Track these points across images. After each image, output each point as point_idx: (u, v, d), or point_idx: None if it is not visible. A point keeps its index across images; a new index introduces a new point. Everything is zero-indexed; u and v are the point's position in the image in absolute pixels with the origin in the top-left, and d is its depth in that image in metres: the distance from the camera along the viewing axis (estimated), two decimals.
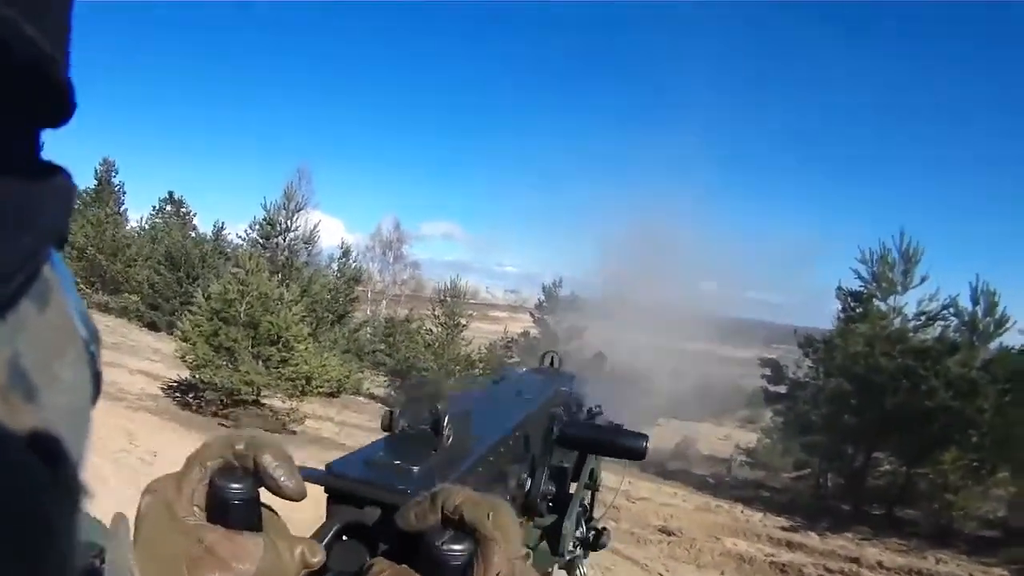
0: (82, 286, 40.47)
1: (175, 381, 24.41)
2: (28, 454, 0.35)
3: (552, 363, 2.24)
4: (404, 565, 0.82)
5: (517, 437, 1.44)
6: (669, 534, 19.80)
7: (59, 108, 0.38)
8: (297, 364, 24.09)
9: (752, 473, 33.96)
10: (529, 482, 1.50)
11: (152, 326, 38.57)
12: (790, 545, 20.17)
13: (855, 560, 19.12)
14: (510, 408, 1.54)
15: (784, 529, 21.94)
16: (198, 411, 23.11)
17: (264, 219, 34.29)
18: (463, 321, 39.90)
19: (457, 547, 0.79)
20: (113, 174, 46.88)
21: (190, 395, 23.99)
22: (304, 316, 26.81)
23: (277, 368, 23.80)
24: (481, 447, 1.21)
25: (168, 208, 49.65)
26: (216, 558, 0.77)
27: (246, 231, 36.23)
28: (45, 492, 0.36)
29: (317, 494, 0.95)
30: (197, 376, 23.32)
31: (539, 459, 1.59)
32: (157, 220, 48.62)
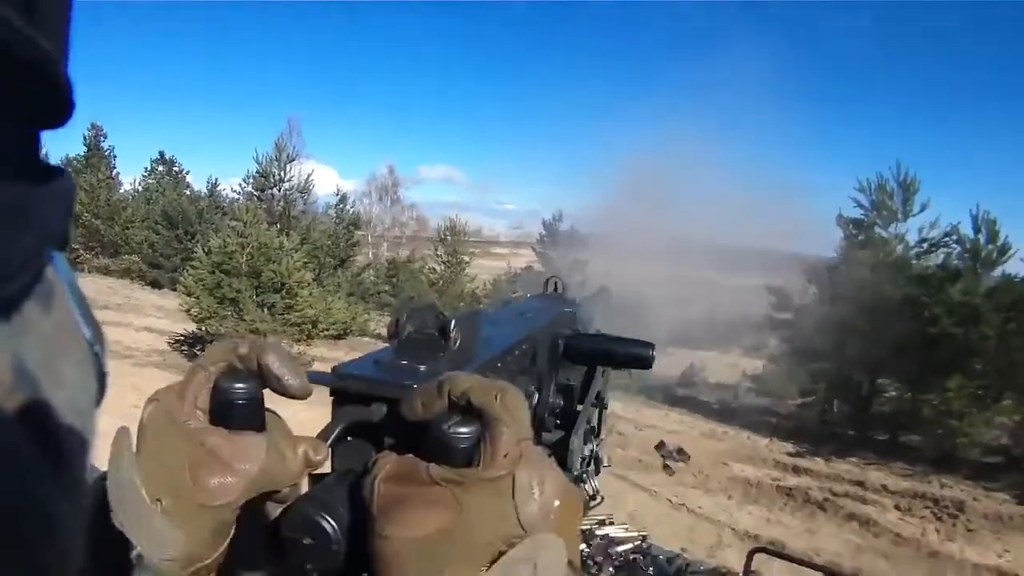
0: (81, 252, 40.63)
1: (181, 335, 24.59)
2: (33, 454, 0.35)
3: (556, 288, 2.16)
4: (410, 454, 0.81)
5: (524, 349, 1.41)
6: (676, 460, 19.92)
7: (59, 109, 0.37)
8: (302, 309, 24.22)
9: (758, 400, 34.04)
10: (536, 396, 1.49)
11: (155, 284, 38.70)
12: (796, 470, 20.33)
13: (860, 483, 19.29)
14: (516, 324, 1.52)
15: (790, 454, 22.14)
16: None
17: (257, 172, 34.18)
18: (466, 259, 40.04)
19: (464, 429, 0.78)
20: (102, 139, 46.65)
21: (197, 347, 24.03)
22: (306, 263, 26.86)
23: (283, 314, 23.94)
24: (488, 353, 1.20)
25: (160, 168, 49.40)
26: (218, 459, 0.78)
27: (240, 185, 36.26)
28: (50, 491, 0.36)
29: (325, 399, 0.96)
30: (203, 328, 23.42)
31: (546, 374, 1.58)
32: (151, 181, 48.42)
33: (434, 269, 39.98)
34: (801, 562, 5.90)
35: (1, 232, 0.34)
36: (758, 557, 6.13)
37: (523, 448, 0.77)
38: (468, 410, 0.79)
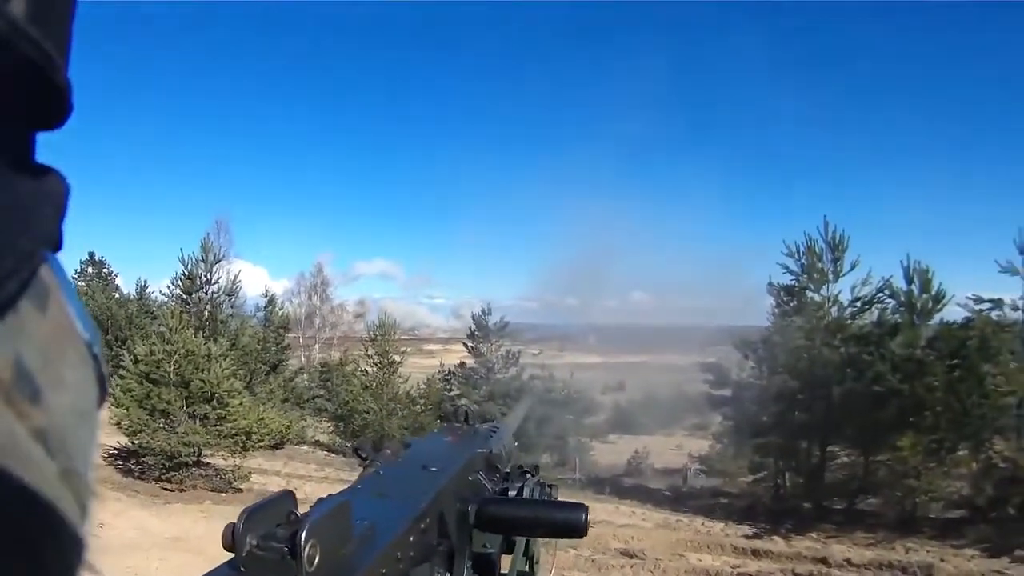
0: None
1: (114, 448, 23.91)
2: (35, 454, 0.35)
3: (466, 418, 1.87)
4: None
5: (424, 528, 1.14)
6: (631, 556, 19.55)
7: (58, 110, 0.38)
8: (235, 420, 23.71)
9: (708, 481, 34.05)
10: None
11: None
12: (755, 553, 20.04)
13: (823, 560, 19.04)
14: (412, 489, 1.23)
15: (747, 537, 21.99)
16: (140, 477, 22.66)
17: (183, 273, 33.63)
18: (397, 358, 39.67)
19: None
20: None
21: (131, 462, 23.49)
22: (236, 370, 26.43)
23: (215, 426, 23.42)
24: (369, 556, 0.93)
25: (90, 270, 48.86)
26: None
27: (168, 287, 35.66)
28: (51, 492, 0.36)
29: None
30: (135, 441, 22.80)
31: (458, 548, 1.30)
32: (80, 283, 47.57)
33: (366, 371, 39.53)
34: None
35: None
36: None
37: None
38: None
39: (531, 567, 1.69)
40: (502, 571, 1.48)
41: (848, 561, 18.82)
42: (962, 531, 21.01)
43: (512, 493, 1.57)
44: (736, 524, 23.67)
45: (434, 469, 1.35)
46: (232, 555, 0.79)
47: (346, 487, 1.17)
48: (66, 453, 0.37)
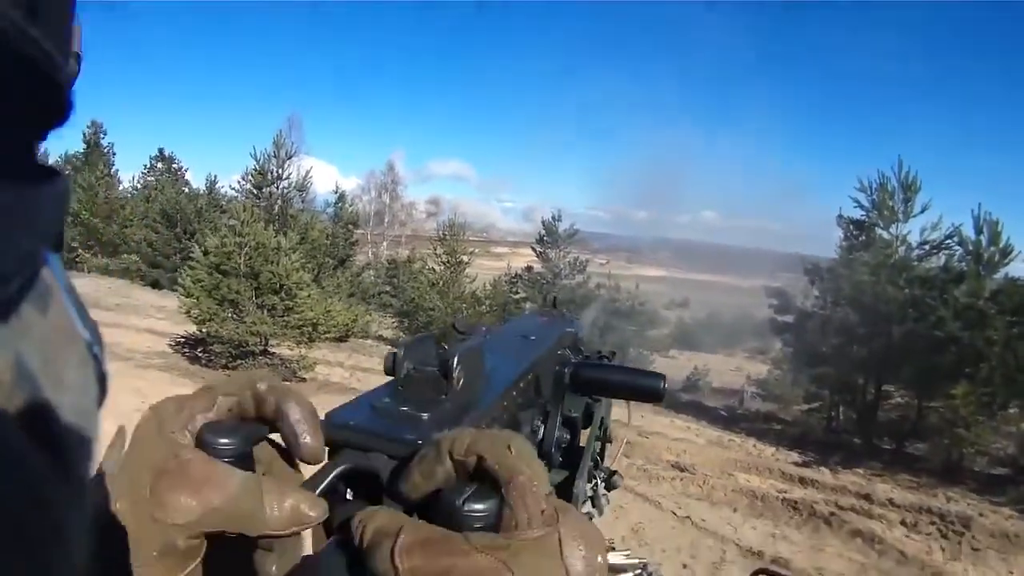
0: (80, 250, 40.59)
1: (182, 336, 24.56)
2: (36, 455, 0.36)
3: (555, 304, 2.07)
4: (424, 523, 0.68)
5: (529, 381, 1.31)
6: (682, 470, 19.82)
7: (59, 110, 0.38)
8: (302, 311, 24.11)
9: (764, 405, 34.12)
10: (543, 429, 1.43)
11: (155, 284, 38.56)
12: (802, 481, 20.16)
13: (866, 496, 19.11)
14: (519, 351, 1.40)
15: (796, 464, 22.02)
16: (207, 365, 23.24)
17: (255, 169, 33.95)
18: (465, 259, 39.86)
19: (480, 506, 0.67)
20: (102, 136, 46.66)
21: (198, 349, 24.11)
22: (304, 263, 26.73)
23: (282, 316, 23.84)
24: (493, 391, 1.09)
25: (159, 165, 49.41)
26: (185, 476, 0.70)
27: (239, 182, 36.05)
28: (53, 491, 0.37)
29: None
30: (203, 330, 23.36)
31: (552, 405, 1.48)
32: (149, 178, 48.31)
33: (434, 269, 39.82)
34: None
35: None
36: None
37: (554, 503, 0.68)
38: (480, 472, 0.70)
39: (603, 441, 1.81)
40: (581, 444, 1.62)
41: (891, 501, 18.85)
42: (1004, 488, 20.87)
43: None
44: (786, 450, 23.72)
45: (533, 338, 1.53)
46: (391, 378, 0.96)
47: (459, 339, 1.27)
48: (65, 453, 0.38)
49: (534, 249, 43.50)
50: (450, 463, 0.71)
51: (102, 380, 0.45)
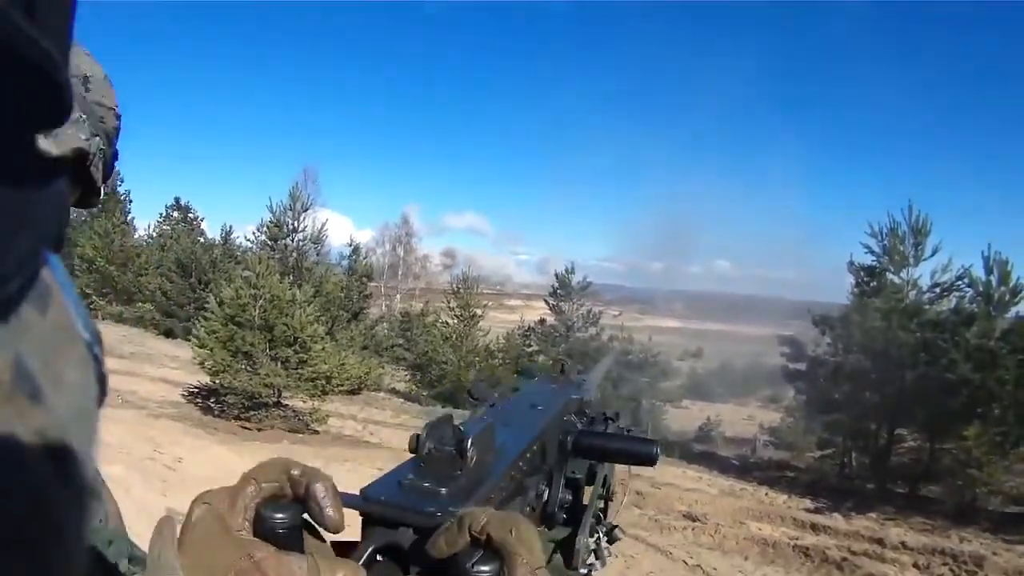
0: (94, 297, 40.69)
1: (195, 387, 24.57)
2: (35, 455, 0.35)
3: (563, 370, 2.22)
4: None
5: (535, 450, 1.47)
6: (694, 520, 19.78)
7: (58, 110, 0.37)
8: (315, 364, 24.15)
9: (777, 453, 34.02)
10: (547, 493, 1.55)
11: (168, 333, 38.56)
12: (814, 527, 20.09)
13: (879, 541, 19.05)
14: (526, 421, 1.56)
15: (808, 511, 21.93)
16: (220, 415, 23.16)
17: (271, 221, 34.16)
18: (478, 312, 39.98)
19: (485, 568, 0.83)
20: (118, 183, 46.93)
21: (211, 400, 24.02)
22: (318, 316, 26.81)
23: (296, 369, 23.87)
24: (502, 464, 1.24)
25: (175, 214, 49.45)
26: (263, 574, 0.79)
27: (254, 233, 36.27)
28: (53, 492, 0.37)
29: (350, 518, 0.96)
30: (217, 381, 23.37)
31: (555, 469, 1.63)
32: (165, 227, 48.31)
33: (447, 323, 39.92)
34: None
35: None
36: None
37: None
38: (489, 545, 0.85)
39: (606, 498, 1.94)
40: (583, 502, 1.75)
41: (903, 544, 18.79)
42: (1018, 527, 20.68)
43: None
44: (799, 497, 23.62)
45: (540, 408, 1.68)
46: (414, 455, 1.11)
47: (474, 416, 1.52)
48: (65, 453, 0.38)
49: (547, 302, 43.59)
50: (468, 536, 0.86)
51: (102, 380, 0.45)
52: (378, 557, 0.98)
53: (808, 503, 22.94)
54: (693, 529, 19.30)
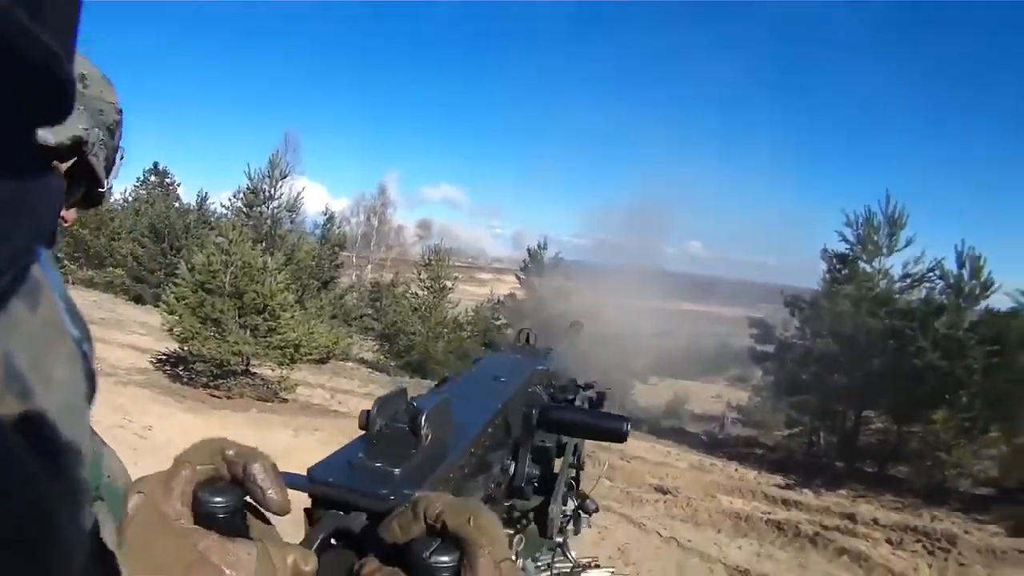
0: (66, 262, 40.43)
1: (164, 354, 24.34)
2: (26, 451, 0.35)
3: (528, 340, 2.14)
4: (396, 568, 0.80)
5: (497, 424, 1.42)
6: (665, 492, 19.86)
7: (60, 106, 0.38)
8: (284, 332, 23.95)
9: (745, 431, 34.24)
10: (513, 467, 1.51)
11: (138, 299, 38.30)
12: (785, 502, 20.23)
13: (850, 516, 19.17)
14: (488, 394, 1.51)
15: (779, 487, 22.05)
16: (189, 383, 22.96)
17: (248, 188, 33.93)
18: (449, 284, 39.92)
19: (444, 558, 0.77)
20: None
21: (180, 367, 23.83)
22: (289, 284, 26.63)
23: (265, 337, 23.69)
24: (462, 441, 1.18)
25: (153, 179, 49.03)
26: (211, 564, 0.75)
27: (230, 200, 36.05)
28: (45, 488, 0.36)
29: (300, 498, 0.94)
30: (185, 348, 23.17)
31: (522, 442, 1.56)
32: (141, 192, 47.94)
33: (416, 294, 39.85)
34: None
35: None
36: None
37: (502, 572, 0.77)
38: (444, 532, 0.79)
39: (577, 467, 1.89)
40: (555, 471, 1.71)
41: (875, 520, 18.91)
42: (987, 507, 20.89)
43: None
44: (768, 474, 23.75)
45: (503, 379, 1.62)
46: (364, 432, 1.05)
47: (432, 389, 1.48)
48: (56, 450, 0.38)
49: (518, 276, 43.53)
50: (423, 522, 0.79)
51: (91, 377, 0.45)
52: (332, 542, 0.92)
53: (778, 479, 23.06)
54: (665, 502, 19.36)
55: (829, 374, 27.44)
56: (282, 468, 0.88)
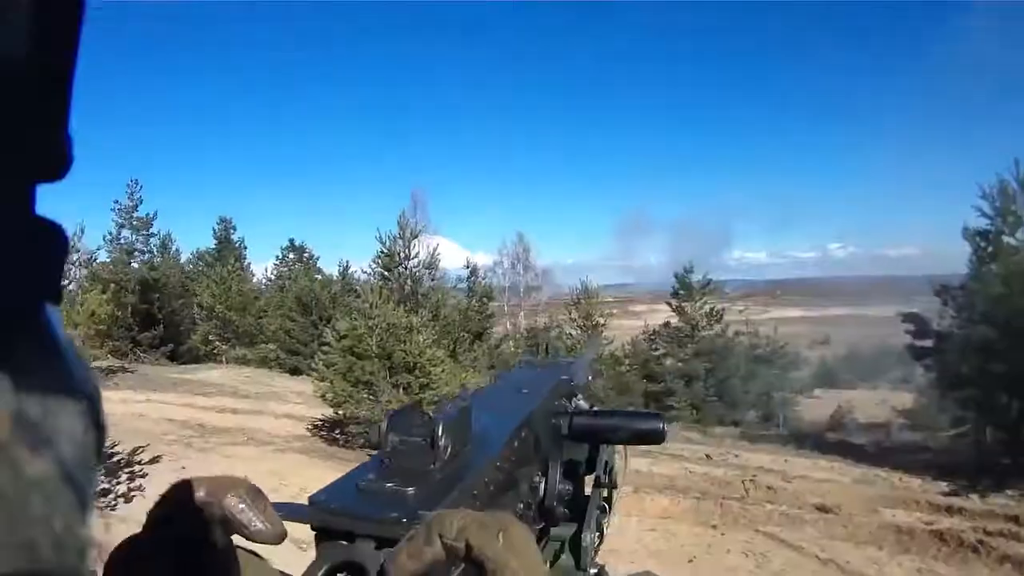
0: (217, 343, 41.86)
1: (320, 419, 24.90)
2: (34, 504, 0.35)
3: (547, 351, 2.12)
4: None
5: (524, 437, 1.32)
6: (826, 511, 19.31)
7: (59, 164, 0.38)
8: (437, 387, 24.22)
9: (911, 436, 33.11)
10: (543, 485, 1.43)
11: (294, 371, 39.17)
12: (949, 510, 19.38)
13: (1015, 518, 18.26)
14: (512, 406, 1.42)
15: (944, 494, 21.10)
16: (345, 445, 23.47)
17: (382, 251, 34.53)
18: (601, 320, 39.84)
19: None
20: (231, 231, 48.15)
21: (336, 431, 24.36)
22: (437, 339, 26.97)
23: (418, 393, 23.98)
24: (485, 454, 1.11)
25: (291, 255, 50.25)
26: None
27: (370, 266, 36.70)
28: (51, 541, 0.36)
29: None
30: (339, 412, 23.66)
31: (551, 457, 1.49)
32: (282, 269, 49.30)
33: (570, 334, 39.83)
34: None
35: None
36: None
37: None
38: (468, 557, 0.68)
39: (609, 487, 1.77)
40: (585, 492, 1.67)
41: None
42: None
43: None
44: (934, 480, 22.72)
45: (526, 391, 1.55)
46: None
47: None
48: (65, 503, 0.38)
49: (669, 304, 43.25)
50: (439, 546, 0.70)
51: (99, 429, 0.45)
52: None
53: (943, 485, 22.09)
54: (825, 521, 18.79)
55: (989, 363, 26.08)
56: None
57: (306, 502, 0.92)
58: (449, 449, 0.97)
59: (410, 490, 0.89)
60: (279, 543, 0.76)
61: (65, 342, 0.43)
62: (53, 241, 0.40)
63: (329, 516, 0.86)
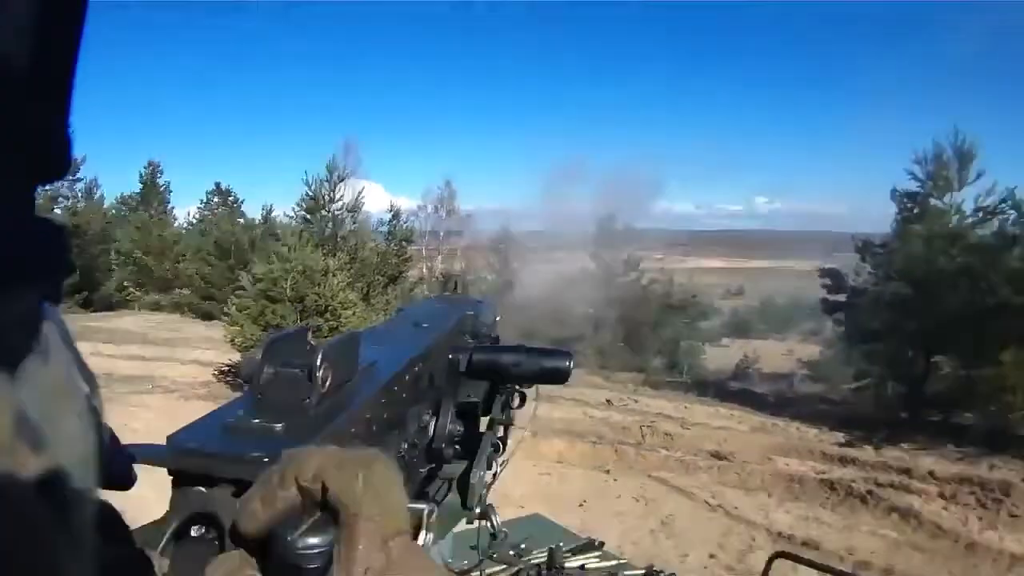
0: (132, 289, 41.15)
1: (227, 365, 24.80)
2: (37, 503, 0.36)
3: (456, 287, 2.04)
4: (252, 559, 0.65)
5: (416, 372, 1.24)
6: (720, 458, 19.65)
7: (59, 164, 0.39)
8: (346, 329, 24.16)
9: (813, 387, 33.68)
10: (433, 424, 1.35)
11: (207, 316, 38.60)
12: (843, 460, 19.79)
13: (907, 471, 18.71)
14: (406, 340, 1.33)
15: (839, 444, 21.59)
16: None
17: (307, 194, 34.17)
18: (517, 265, 39.82)
19: (314, 540, 0.61)
20: (159, 175, 47.27)
21: None
22: (352, 282, 26.85)
23: (327, 337, 23.89)
24: (370, 387, 1.04)
25: (215, 199, 49.71)
26: None
27: (293, 210, 36.30)
28: (55, 539, 0.37)
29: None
30: (247, 357, 23.52)
31: (445, 396, 1.39)
32: (206, 213, 48.81)
33: (487, 279, 39.80)
34: (822, 567, 5.63)
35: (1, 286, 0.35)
36: (784, 563, 5.87)
37: (391, 552, 0.61)
38: (323, 502, 0.63)
39: (505, 431, 1.66)
40: (480, 431, 1.56)
41: (931, 474, 18.33)
42: None
43: None
44: (831, 431, 23.15)
45: (425, 326, 1.45)
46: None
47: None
48: (66, 502, 0.39)
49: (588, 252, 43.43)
50: (295, 490, 0.64)
51: (99, 429, 0.46)
52: (192, 531, 0.75)
53: (840, 436, 22.47)
54: (719, 468, 19.11)
55: (901, 319, 26.58)
56: None
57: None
58: (329, 381, 0.89)
59: (278, 426, 0.82)
60: (127, 489, 0.66)
61: (66, 339, 0.44)
62: (53, 241, 0.40)
63: (186, 458, 0.79)
